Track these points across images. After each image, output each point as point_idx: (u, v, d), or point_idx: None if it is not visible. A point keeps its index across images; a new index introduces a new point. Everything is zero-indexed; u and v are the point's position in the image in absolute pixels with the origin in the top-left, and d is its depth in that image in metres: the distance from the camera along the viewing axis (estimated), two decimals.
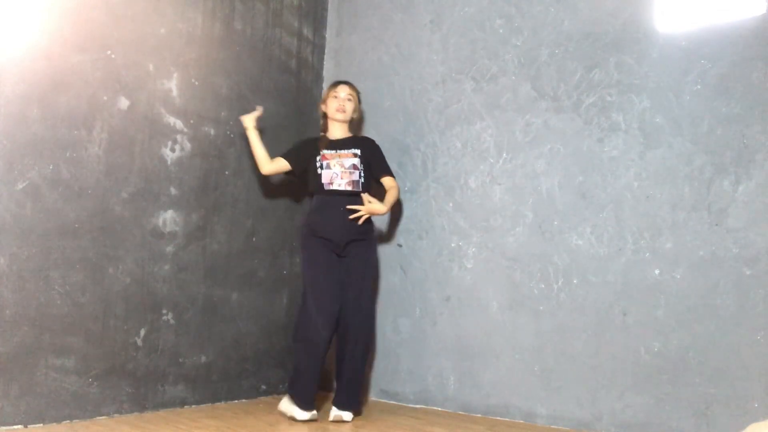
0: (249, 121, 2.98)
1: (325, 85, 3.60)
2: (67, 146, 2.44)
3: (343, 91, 2.93)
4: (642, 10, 2.61)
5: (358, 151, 2.88)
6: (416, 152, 3.20)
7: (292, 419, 2.64)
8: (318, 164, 2.85)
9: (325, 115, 2.99)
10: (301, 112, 3.44)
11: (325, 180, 2.81)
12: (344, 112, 2.91)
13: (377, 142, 3.02)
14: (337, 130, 2.95)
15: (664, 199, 2.50)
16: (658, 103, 2.54)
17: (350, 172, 2.82)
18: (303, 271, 2.82)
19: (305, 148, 2.97)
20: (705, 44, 2.46)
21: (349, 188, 2.80)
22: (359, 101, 3.03)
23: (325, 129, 3.01)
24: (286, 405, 2.70)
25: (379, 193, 2.88)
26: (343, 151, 2.87)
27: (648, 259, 2.51)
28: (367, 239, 2.83)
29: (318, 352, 2.66)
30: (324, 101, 2.99)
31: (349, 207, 2.77)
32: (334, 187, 2.80)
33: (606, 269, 2.60)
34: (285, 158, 2.97)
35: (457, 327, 2.98)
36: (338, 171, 2.82)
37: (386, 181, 2.93)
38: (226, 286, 3.03)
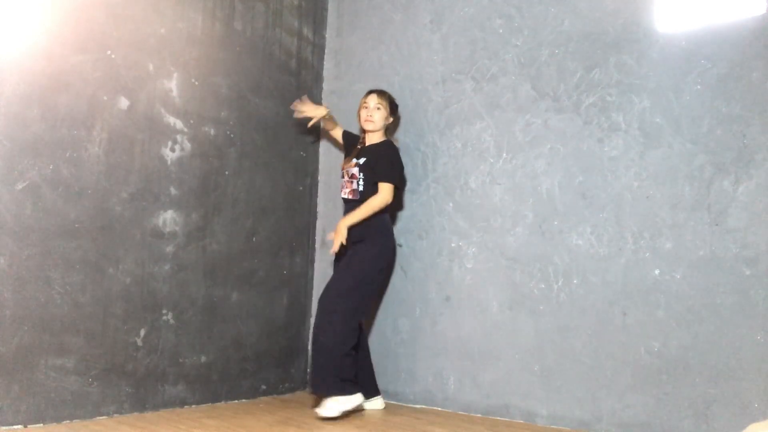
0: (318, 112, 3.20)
1: (326, 85, 3.61)
2: (67, 146, 2.44)
3: (372, 101, 2.99)
4: (642, 10, 2.61)
5: (362, 160, 2.95)
6: (416, 152, 3.20)
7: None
8: (341, 174, 3.06)
9: None
10: None
11: (340, 188, 3.01)
12: (372, 122, 2.97)
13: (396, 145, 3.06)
14: (369, 138, 3.04)
15: (664, 199, 2.50)
16: (658, 103, 2.54)
17: (351, 181, 2.95)
18: None
19: (347, 144, 3.17)
20: (705, 44, 2.46)
21: (350, 197, 2.94)
22: (396, 106, 3.08)
23: (363, 138, 3.11)
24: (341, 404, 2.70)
25: None
26: (355, 160, 2.98)
27: (648, 259, 2.50)
28: (363, 241, 2.86)
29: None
30: (358, 111, 3.06)
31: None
32: (343, 195, 2.98)
33: (606, 269, 2.60)
34: (342, 133, 3.24)
35: (457, 327, 2.98)
36: (345, 180, 2.99)
37: (378, 186, 2.89)
38: (226, 286, 3.03)
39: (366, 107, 2.99)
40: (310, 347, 3.06)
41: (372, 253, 2.86)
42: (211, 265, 2.96)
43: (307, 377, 3.08)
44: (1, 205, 2.26)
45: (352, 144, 3.13)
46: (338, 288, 2.79)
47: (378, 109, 2.97)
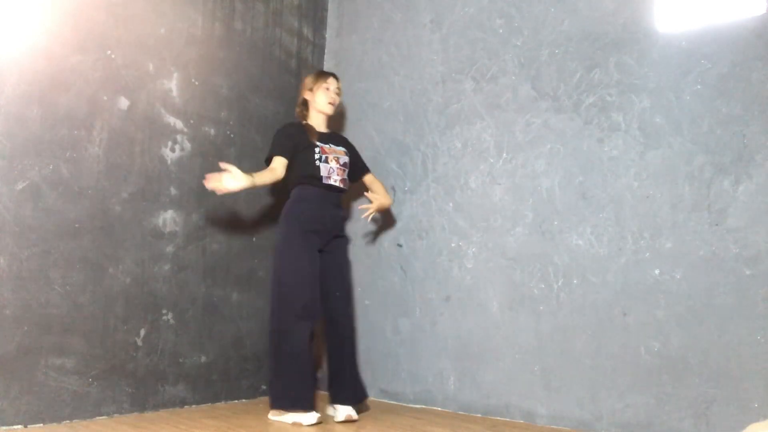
0: (237, 181, 2.53)
1: None
2: (67, 146, 2.44)
3: (333, 84, 2.88)
4: (642, 10, 2.61)
5: (345, 150, 2.90)
6: (416, 152, 3.20)
7: (298, 425, 2.52)
8: (317, 156, 2.74)
9: (305, 102, 2.90)
10: None
11: (324, 173, 2.75)
12: (335, 105, 2.89)
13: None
14: (321, 123, 2.89)
15: (664, 199, 2.50)
16: (658, 103, 2.54)
17: (343, 170, 2.83)
18: (282, 267, 2.64)
19: (295, 137, 2.78)
20: (705, 44, 2.46)
21: (341, 185, 2.81)
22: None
23: (303, 117, 2.91)
24: (285, 416, 2.59)
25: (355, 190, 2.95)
26: (337, 148, 2.85)
27: (648, 259, 2.50)
28: (345, 236, 2.92)
29: (308, 350, 2.61)
30: (310, 89, 2.86)
31: (362, 207, 3.00)
32: (331, 182, 2.77)
33: (606, 269, 2.60)
34: (284, 157, 2.74)
35: (457, 327, 2.98)
36: (335, 167, 2.79)
37: (370, 177, 3.04)
38: (226, 286, 3.03)
39: (328, 89, 2.86)
40: (342, 357, 2.81)
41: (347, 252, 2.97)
42: (211, 265, 2.96)
43: (345, 388, 2.76)
44: (1, 205, 2.26)
45: (297, 126, 2.84)
46: (351, 301, 2.89)
47: (337, 94, 2.90)
